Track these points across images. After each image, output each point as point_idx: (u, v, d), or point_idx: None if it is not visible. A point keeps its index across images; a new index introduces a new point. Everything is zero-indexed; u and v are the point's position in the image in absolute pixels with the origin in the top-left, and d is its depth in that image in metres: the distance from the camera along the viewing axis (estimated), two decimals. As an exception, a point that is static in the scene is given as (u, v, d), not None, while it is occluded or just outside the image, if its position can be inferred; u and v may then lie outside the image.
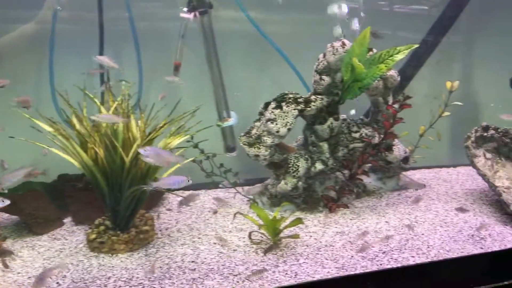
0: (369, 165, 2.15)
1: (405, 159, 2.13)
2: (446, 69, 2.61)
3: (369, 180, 2.16)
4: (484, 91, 2.73)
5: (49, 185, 1.89)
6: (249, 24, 2.15)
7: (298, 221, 1.64)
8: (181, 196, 1.92)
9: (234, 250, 1.62)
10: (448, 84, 2.16)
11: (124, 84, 1.64)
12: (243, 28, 2.16)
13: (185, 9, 2.04)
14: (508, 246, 1.68)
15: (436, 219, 1.87)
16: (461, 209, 1.91)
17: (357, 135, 1.98)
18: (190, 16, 2.03)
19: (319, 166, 1.94)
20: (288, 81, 2.24)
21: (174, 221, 1.87)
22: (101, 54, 2.03)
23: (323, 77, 1.88)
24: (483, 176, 1.95)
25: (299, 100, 1.87)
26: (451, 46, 2.56)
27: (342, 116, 2.05)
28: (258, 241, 1.67)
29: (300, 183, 1.92)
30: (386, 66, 1.73)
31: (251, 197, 2.02)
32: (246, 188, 2.11)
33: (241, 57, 2.32)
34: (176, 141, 1.71)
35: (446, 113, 2.18)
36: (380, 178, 2.18)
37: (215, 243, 1.66)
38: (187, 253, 1.59)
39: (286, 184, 1.90)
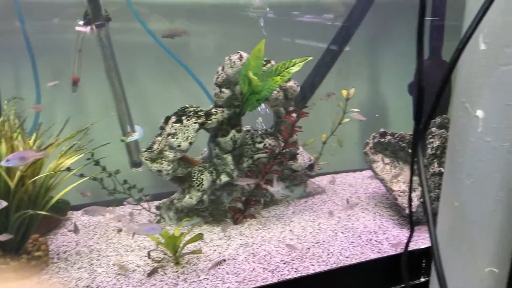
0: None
1: (310, 167, 2.19)
2: (352, 77, 2.70)
3: (277, 189, 2.19)
4: (389, 97, 2.86)
5: None
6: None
7: (198, 236, 1.63)
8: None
9: (133, 270, 1.58)
10: (344, 92, 2.24)
11: (6, 103, 1.56)
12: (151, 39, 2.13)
13: (81, 22, 1.97)
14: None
15: (338, 225, 1.93)
16: (331, 213, 2.00)
17: (261, 145, 2.00)
18: (87, 29, 1.96)
19: (224, 178, 1.94)
20: (198, 93, 2.23)
21: (74, 242, 1.80)
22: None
23: (223, 89, 1.89)
24: (382, 180, 2.04)
25: (199, 113, 1.86)
26: (356, 54, 2.65)
27: (246, 127, 2.07)
28: (160, 259, 1.64)
29: (205, 196, 1.91)
30: (281, 78, 1.77)
31: (158, 212, 1.98)
32: (157, 203, 2.07)
33: (150, 69, 2.29)
34: (69, 161, 1.65)
35: (346, 120, 2.26)
36: (288, 186, 2.22)
37: (114, 264, 1.62)
38: (83, 278, 1.53)
39: (191, 198, 1.89)
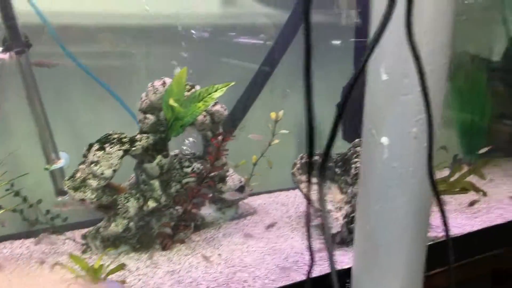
0: (209, 196, 2.19)
1: (241, 188, 2.20)
2: (285, 98, 2.75)
3: (208, 212, 2.19)
4: (323, 117, 2.92)
5: None
6: (92, 58, 2.11)
7: (119, 267, 1.60)
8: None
9: (51, 306, 1.53)
10: (273, 114, 2.27)
11: None
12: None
13: (0, 48, 1.91)
14: (328, 270, 1.79)
15: (266, 247, 1.95)
16: (248, 235, 2.04)
17: (189, 169, 2.00)
18: (5, 56, 1.90)
19: (151, 204, 1.92)
20: (128, 118, 2.20)
21: (-9, 278, 1.73)
22: None
23: (148, 115, 1.88)
24: (310, 201, 2.07)
25: (123, 140, 1.84)
26: (288, 74, 2.70)
27: (175, 151, 2.07)
28: (81, 292, 1.60)
29: (132, 223, 1.89)
30: (204, 104, 1.78)
31: (84, 241, 1.93)
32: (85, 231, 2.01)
33: (79, 94, 2.24)
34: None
35: (275, 141, 2.28)
36: (220, 209, 2.22)
37: (31, 301, 1.56)
38: (-4, 317, 1.47)
39: (117, 226, 1.86)
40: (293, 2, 2.60)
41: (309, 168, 1.10)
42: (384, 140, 1.32)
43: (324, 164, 1.12)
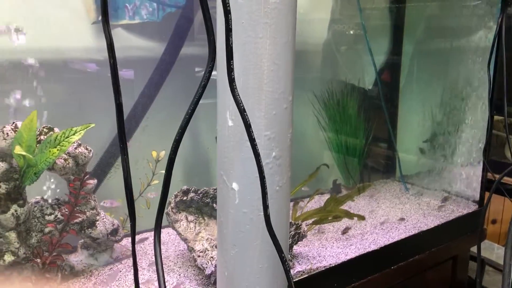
0: (80, 242, 2.06)
1: (114, 231, 2.10)
2: (162, 133, 2.69)
3: (79, 259, 2.05)
4: (209, 151, 2.91)
5: None
6: None
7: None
8: None
9: None
10: (154, 153, 2.22)
11: None
12: None
13: None
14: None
15: (138, 293, 1.86)
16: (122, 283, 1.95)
17: (51, 217, 1.87)
18: None
19: (8, 258, 1.75)
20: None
21: None
22: None
23: (-2, 163, 1.73)
24: (185, 240, 2.03)
25: (-30, 191, 1.68)
26: (163, 110, 2.65)
27: (36, 198, 1.92)
28: None
29: (-16, 282, 1.71)
30: (60, 149, 1.68)
31: None
32: None
33: None
34: None
35: (155, 181, 2.23)
36: (92, 254, 2.09)
37: None
38: None
39: (-34, 287, 1.68)
40: (169, 35, 2.58)
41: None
42: (235, 185, 1.32)
43: (162, 206, 1.08)
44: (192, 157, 2.85)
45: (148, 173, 2.32)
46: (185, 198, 2.11)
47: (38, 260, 1.83)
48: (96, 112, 2.41)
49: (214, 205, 2.17)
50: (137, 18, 2.65)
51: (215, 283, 1.91)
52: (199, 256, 1.93)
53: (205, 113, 2.85)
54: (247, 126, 1.00)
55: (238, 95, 0.97)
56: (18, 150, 1.57)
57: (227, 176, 1.32)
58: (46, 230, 1.86)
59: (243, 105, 0.98)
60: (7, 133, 1.70)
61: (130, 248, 2.23)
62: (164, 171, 2.19)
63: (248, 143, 1.23)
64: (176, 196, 2.11)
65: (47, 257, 1.81)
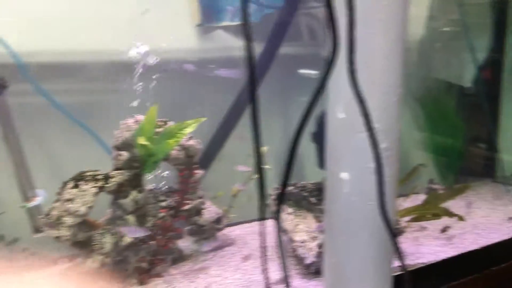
0: (187, 228, 2.22)
1: (218, 220, 2.23)
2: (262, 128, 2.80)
3: (186, 244, 2.21)
4: (303, 146, 2.98)
5: None
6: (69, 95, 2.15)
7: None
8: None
9: None
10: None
11: None
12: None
13: (-25, 90, 1.96)
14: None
15: (243, 278, 1.97)
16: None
17: (164, 204, 2.03)
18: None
19: (127, 239, 1.94)
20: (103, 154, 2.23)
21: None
22: None
23: (122, 152, 1.92)
24: (284, 231, 2.11)
25: (98, 177, 1.88)
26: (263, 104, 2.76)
27: (151, 185, 2.10)
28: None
29: (108, 259, 1.90)
30: (176, 140, 1.83)
31: (61, 278, 1.94)
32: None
33: (56, 131, 2.27)
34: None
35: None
36: (197, 241, 2.24)
37: None
38: None
39: (93, 262, 1.88)
40: (267, 34, 2.68)
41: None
42: (344, 175, 1.37)
43: (282, 194, 1.16)
44: (284, 152, 2.93)
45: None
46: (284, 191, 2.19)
47: (153, 243, 2.00)
48: (198, 108, 2.58)
49: (311, 199, 2.23)
50: (236, 20, 2.78)
51: (315, 272, 1.97)
52: (299, 246, 2.00)
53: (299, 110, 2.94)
54: (366, 116, 1.05)
55: (358, 86, 1.03)
56: (141, 140, 1.75)
57: (337, 166, 1.38)
58: (160, 215, 2.02)
59: (362, 96, 1.04)
60: (130, 126, 1.89)
61: (232, 237, 2.36)
62: (267, 166, 2.31)
63: (360, 134, 1.28)
64: (276, 188, 2.20)
65: (161, 239, 1.97)
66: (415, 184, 2.69)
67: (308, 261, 1.95)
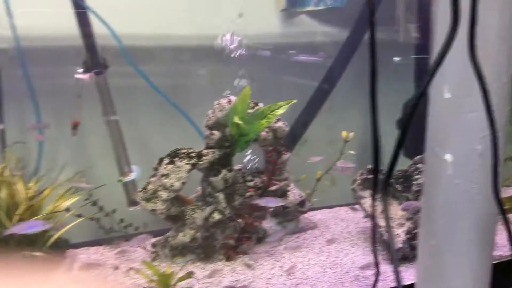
0: (270, 210, 2.26)
1: (302, 203, 2.25)
2: (344, 114, 2.79)
3: (270, 225, 2.25)
4: (383, 133, 2.93)
5: None
6: (161, 78, 2.26)
7: (188, 275, 1.70)
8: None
9: (127, 308, 1.65)
10: (344, 133, 2.32)
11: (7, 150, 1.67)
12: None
13: (80, 70, 2.09)
14: (390, 284, 1.81)
15: (327, 260, 1.99)
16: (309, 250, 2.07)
17: (251, 183, 2.08)
18: (86, 76, 2.08)
19: (216, 216, 2.01)
20: (193, 134, 2.32)
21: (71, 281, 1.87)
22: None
23: (213, 132, 1.98)
24: (370, 216, 2.10)
25: (191, 155, 1.95)
26: (348, 91, 2.74)
27: (238, 165, 2.16)
28: (152, 297, 1.71)
29: (198, 234, 1.98)
30: (268, 121, 1.86)
31: (154, 250, 2.05)
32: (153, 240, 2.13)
33: (148, 111, 2.38)
34: (66, 203, 1.73)
35: (340, 161, 2.32)
36: (280, 222, 2.27)
37: None
38: (78, 316, 1.60)
39: (184, 236, 1.96)
40: (352, 20, 2.65)
41: (374, 184, 1.15)
42: (448, 157, 1.34)
43: (388, 180, 1.15)
44: (366, 139, 2.88)
45: (334, 152, 2.41)
46: (370, 176, 2.18)
47: (240, 221, 2.06)
48: (282, 91, 2.60)
49: (397, 186, 2.20)
50: (321, 5, 2.76)
51: (401, 258, 1.95)
52: (386, 231, 1.98)
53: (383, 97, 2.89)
54: (486, 93, 1.02)
55: (478, 61, 1.00)
56: (236, 119, 1.80)
57: (440, 147, 1.34)
58: (247, 194, 2.08)
59: (482, 72, 1.01)
60: (223, 106, 1.95)
61: (314, 221, 2.38)
62: (352, 152, 2.30)
63: (467, 115, 1.25)
64: (361, 173, 2.19)
65: (248, 218, 2.02)
66: (507, 175, 2.57)
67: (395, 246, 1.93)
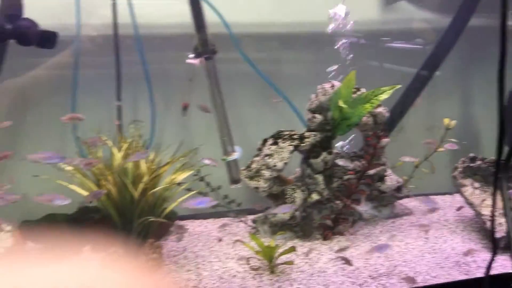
0: (367, 193, 2.29)
1: (398, 189, 2.27)
2: (442, 101, 2.74)
3: (365, 209, 2.29)
4: (481, 122, 2.85)
5: (70, 216, 2.09)
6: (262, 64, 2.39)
7: (291, 249, 1.80)
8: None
9: (233, 276, 1.78)
10: (446, 120, 2.29)
11: (133, 127, 1.86)
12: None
13: (192, 55, 2.25)
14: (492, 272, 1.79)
15: (425, 246, 2.00)
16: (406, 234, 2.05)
17: (350, 167, 2.14)
18: (196, 61, 2.23)
19: (315, 196, 2.09)
20: (291, 117, 2.41)
21: (181, 248, 2.04)
22: (118, 96, 2.27)
23: (316, 115, 2.06)
24: (471, 204, 2.07)
25: (294, 136, 2.05)
26: (446, 78, 2.69)
27: (337, 149, 2.22)
28: (256, 267, 1.83)
29: (297, 212, 2.08)
30: (371, 105, 1.90)
31: (254, 225, 2.17)
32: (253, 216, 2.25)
33: (250, 95, 2.50)
34: (181, 176, 1.90)
35: (441, 149, 2.29)
36: (376, 207, 2.31)
37: (217, 269, 1.83)
38: (191, 279, 1.75)
39: (284, 214, 2.07)
40: (455, 7, 2.58)
41: (496, 172, 1.16)
42: None
43: (507, 169, 1.16)
44: (464, 127, 2.82)
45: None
46: (472, 164, 2.14)
47: (338, 202, 2.12)
48: (384, 78, 2.61)
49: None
50: (422, -9, 2.73)
51: (504, 247, 1.91)
52: (489, 220, 1.95)
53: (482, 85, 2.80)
54: None
55: None
56: (340, 103, 1.86)
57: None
58: (345, 177, 2.13)
59: None
60: (326, 90, 2.02)
61: (409, 207, 2.38)
62: (452, 140, 2.26)
63: None
64: (463, 161, 2.16)
65: (346, 199, 2.08)
66: None
67: (497, 235, 1.89)
